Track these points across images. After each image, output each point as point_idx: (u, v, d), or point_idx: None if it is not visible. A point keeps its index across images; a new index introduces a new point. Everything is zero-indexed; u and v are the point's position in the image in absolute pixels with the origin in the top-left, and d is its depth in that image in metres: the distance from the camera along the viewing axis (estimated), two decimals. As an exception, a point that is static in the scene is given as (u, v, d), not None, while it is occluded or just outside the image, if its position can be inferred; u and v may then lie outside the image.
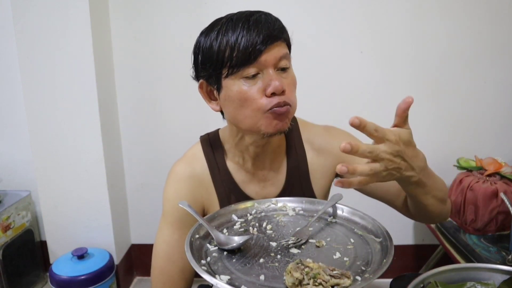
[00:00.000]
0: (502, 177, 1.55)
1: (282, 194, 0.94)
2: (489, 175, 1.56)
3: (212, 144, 0.96)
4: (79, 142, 1.76)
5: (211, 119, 1.91)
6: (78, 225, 1.86)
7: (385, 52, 1.80)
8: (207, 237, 0.76)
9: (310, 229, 0.78)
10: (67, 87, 1.70)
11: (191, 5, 1.77)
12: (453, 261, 1.49)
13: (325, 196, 0.99)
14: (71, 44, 1.66)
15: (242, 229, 0.80)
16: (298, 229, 0.79)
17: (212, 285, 0.62)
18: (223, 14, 0.83)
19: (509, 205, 1.33)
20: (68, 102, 1.72)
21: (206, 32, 0.83)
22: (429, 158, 0.72)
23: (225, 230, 0.79)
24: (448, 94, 1.83)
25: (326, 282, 0.58)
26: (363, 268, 0.66)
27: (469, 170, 1.64)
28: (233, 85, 0.80)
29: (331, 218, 0.83)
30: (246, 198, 0.93)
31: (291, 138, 0.96)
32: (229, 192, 0.93)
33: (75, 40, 1.66)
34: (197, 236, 0.74)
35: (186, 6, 1.78)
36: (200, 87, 0.88)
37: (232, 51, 0.78)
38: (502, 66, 1.80)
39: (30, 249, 1.98)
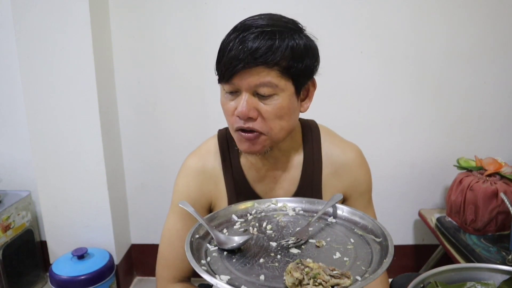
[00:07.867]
0: (502, 177, 1.55)
1: None
2: (489, 175, 1.55)
3: (228, 139, 0.95)
4: (79, 142, 1.76)
5: (211, 119, 1.92)
6: (78, 225, 1.86)
7: (385, 52, 1.80)
8: (207, 237, 0.75)
9: (310, 229, 0.78)
10: (67, 87, 1.70)
11: (191, 5, 1.77)
12: (453, 261, 1.49)
13: None
14: (71, 44, 1.66)
15: (242, 229, 0.80)
16: (298, 229, 0.78)
17: (212, 285, 0.62)
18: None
19: (509, 205, 1.33)
20: (68, 102, 1.72)
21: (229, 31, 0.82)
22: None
23: (225, 230, 0.79)
24: (448, 94, 1.83)
25: (326, 282, 0.58)
26: (363, 268, 0.66)
27: (469, 170, 1.64)
28: (221, 92, 0.84)
29: (331, 218, 0.83)
30: (255, 196, 0.93)
31: (309, 146, 0.94)
32: (239, 189, 0.93)
33: (75, 40, 1.65)
34: (197, 236, 0.74)
35: (186, 6, 1.77)
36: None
37: (218, 63, 0.80)
38: (502, 66, 1.80)
39: (30, 249, 1.98)
